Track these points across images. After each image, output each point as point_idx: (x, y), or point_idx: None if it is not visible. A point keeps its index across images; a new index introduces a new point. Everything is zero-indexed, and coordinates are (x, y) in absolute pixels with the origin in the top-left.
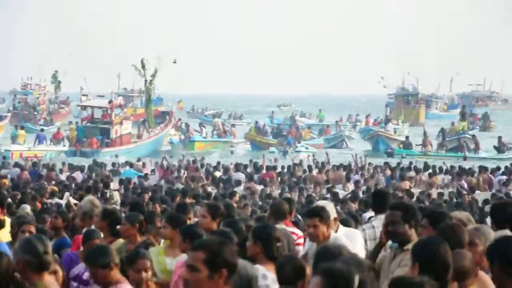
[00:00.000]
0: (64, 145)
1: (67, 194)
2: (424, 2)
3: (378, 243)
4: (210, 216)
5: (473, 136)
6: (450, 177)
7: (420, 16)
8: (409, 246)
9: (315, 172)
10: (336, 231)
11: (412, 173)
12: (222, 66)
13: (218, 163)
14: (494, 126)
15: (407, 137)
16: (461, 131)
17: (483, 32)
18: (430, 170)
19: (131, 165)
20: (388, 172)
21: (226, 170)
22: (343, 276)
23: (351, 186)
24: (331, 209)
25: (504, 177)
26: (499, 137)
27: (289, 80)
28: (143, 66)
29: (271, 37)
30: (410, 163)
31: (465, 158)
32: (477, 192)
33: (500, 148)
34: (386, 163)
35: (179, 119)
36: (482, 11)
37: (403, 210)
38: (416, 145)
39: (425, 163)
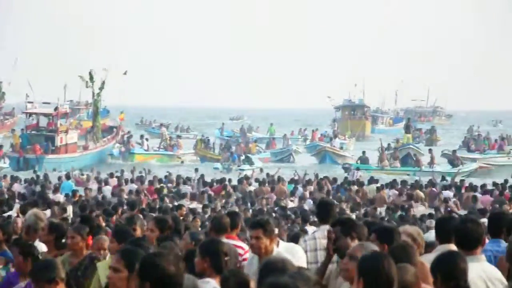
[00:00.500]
0: (4, 162)
1: (17, 206)
2: (376, 14)
3: (326, 257)
4: (158, 229)
5: (430, 150)
6: (397, 192)
7: (368, 29)
8: None
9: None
10: (277, 246)
11: (355, 187)
12: (176, 78)
13: (167, 174)
14: (440, 139)
15: (363, 152)
16: (407, 144)
17: (430, 46)
18: (378, 184)
19: (68, 176)
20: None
21: (176, 182)
22: None
23: (296, 200)
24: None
25: (451, 194)
26: (453, 151)
27: (243, 92)
28: (90, 78)
29: (224, 48)
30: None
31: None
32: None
33: (453, 162)
34: (325, 177)
35: (128, 132)
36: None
37: (341, 224)
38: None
39: (371, 178)
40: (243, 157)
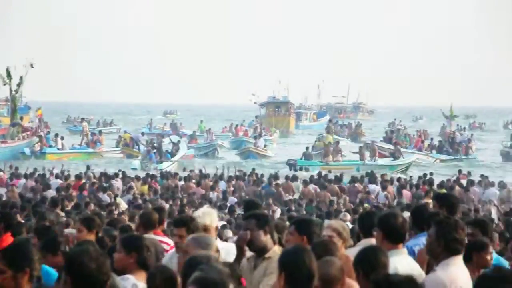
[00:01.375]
0: None
1: None
2: (299, 12)
3: (238, 253)
4: (86, 229)
5: (372, 141)
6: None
7: (290, 26)
8: (270, 254)
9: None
10: None
11: (279, 181)
12: (108, 74)
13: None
14: (365, 134)
15: (307, 148)
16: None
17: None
18: (306, 179)
19: None
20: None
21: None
22: (217, 286)
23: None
24: (214, 218)
25: (377, 188)
26: (394, 143)
27: (176, 89)
28: (8, 74)
29: (158, 44)
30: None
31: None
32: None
33: (395, 154)
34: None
35: (47, 130)
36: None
37: (257, 218)
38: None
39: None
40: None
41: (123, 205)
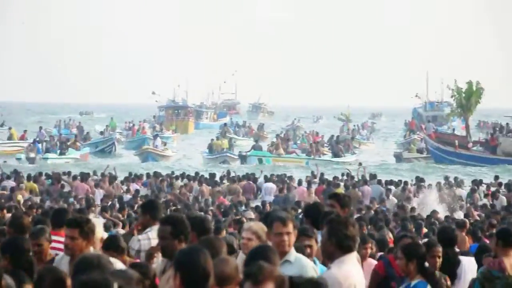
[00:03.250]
0: None
1: None
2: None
3: (148, 256)
4: None
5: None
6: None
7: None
8: None
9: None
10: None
11: (180, 182)
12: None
13: None
14: (267, 136)
15: (256, 141)
16: (225, 149)
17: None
18: (217, 179)
19: None
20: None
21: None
22: (99, 287)
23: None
24: (101, 229)
25: (271, 185)
26: (335, 140)
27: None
28: None
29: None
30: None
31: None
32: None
33: (336, 152)
34: (155, 172)
35: None
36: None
37: (173, 224)
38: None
39: (196, 172)
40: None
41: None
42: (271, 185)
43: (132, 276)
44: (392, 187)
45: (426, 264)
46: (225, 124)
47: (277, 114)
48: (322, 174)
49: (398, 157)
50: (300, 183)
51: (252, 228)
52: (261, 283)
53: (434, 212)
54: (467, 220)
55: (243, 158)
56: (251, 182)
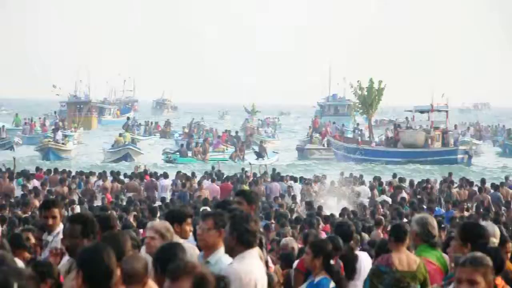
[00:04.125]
0: None
1: None
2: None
3: (59, 256)
4: None
5: (261, 142)
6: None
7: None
8: None
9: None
10: None
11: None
12: None
13: None
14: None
15: (182, 145)
16: (127, 142)
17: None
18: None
19: None
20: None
21: None
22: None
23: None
24: None
25: (168, 181)
26: (261, 142)
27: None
28: None
29: None
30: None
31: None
32: None
33: (261, 153)
34: (90, 172)
35: None
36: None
37: (83, 223)
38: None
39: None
40: None
41: None
42: (167, 181)
43: (24, 272)
44: (296, 184)
45: (332, 261)
46: (128, 118)
47: (180, 109)
48: (220, 171)
49: (301, 149)
50: (200, 182)
51: (155, 227)
52: (178, 279)
53: (344, 209)
54: (383, 218)
55: (169, 162)
56: (153, 180)
